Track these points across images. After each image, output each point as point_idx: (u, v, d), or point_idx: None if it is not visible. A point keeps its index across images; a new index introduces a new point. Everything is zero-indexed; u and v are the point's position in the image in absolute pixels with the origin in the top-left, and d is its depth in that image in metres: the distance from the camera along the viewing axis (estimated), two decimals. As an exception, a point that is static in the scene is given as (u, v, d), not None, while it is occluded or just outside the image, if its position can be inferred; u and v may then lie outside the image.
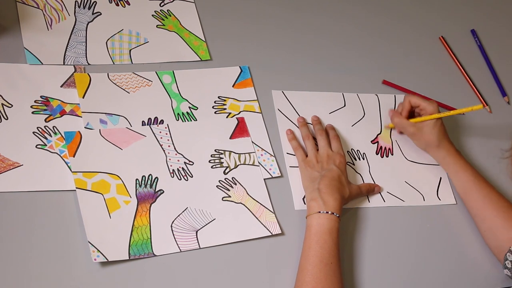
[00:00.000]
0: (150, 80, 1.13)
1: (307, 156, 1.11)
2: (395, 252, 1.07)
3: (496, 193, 1.09)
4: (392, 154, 1.18)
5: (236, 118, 1.13)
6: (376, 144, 1.19)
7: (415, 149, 1.19)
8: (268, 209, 1.05)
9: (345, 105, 1.21)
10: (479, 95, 1.33)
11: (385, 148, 1.18)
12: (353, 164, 1.15)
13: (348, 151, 1.16)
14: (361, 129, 1.19)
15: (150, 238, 0.97)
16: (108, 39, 1.15)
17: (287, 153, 1.12)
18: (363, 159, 1.16)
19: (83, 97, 1.07)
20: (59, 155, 1.00)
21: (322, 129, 1.15)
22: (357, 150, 1.16)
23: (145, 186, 1.02)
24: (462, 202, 1.12)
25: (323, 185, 1.03)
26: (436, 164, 1.17)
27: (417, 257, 1.08)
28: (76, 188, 0.98)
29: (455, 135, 1.22)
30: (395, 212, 1.11)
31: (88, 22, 1.16)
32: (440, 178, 1.16)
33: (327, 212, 1.00)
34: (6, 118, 1.01)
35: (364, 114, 1.21)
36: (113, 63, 1.12)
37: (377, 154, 1.17)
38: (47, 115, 1.04)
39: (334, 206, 1.01)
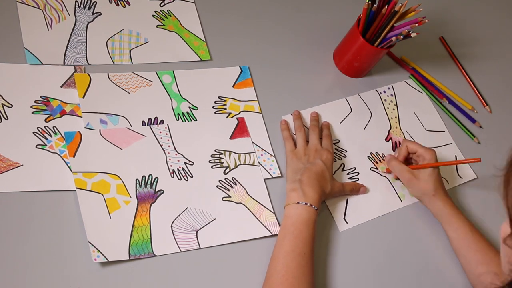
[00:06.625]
0: (150, 80, 1.13)
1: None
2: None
3: (491, 249, 1.04)
4: None
5: (236, 118, 1.13)
6: (390, 141, 1.19)
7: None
8: (268, 209, 1.05)
9: (351, 110, 1.21)
10: (479, 95, 1.33)
11: (399, 142, 1.20)
12: (377, 169, 1.15)
13: (368, 156, 1.16)
14: (373, 130, 1.20)
15: (150, 238, 0.97)
16: (108, 39, 1.15)
17: None
18: (384, 160, 1.17)
19: (83, 97, 1.07)
20: (59, 155, 1.00)
21: (317, 125, 1.15)
22: (376, 153, 1.17)
23: (145, 186, 1.02)
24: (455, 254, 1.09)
25: (305, 177, 1.04)
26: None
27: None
28: (76, 188, 0.98)
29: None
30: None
31: (88, 22, 1.15)
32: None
33: (305, 204, 1.00)
34: (6, 118, 1.01)
35: (371, 113, 1.22)
36: (113, 63, 1.12)
37: (394, 151, 1.18)
38: (47, 115, 1.03)
39: (313, 198, 1.01)
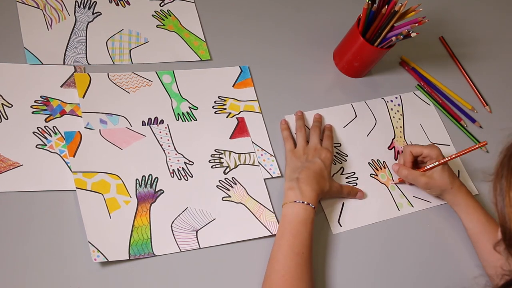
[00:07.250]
0: (150, 80, 1.13)
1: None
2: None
3: None
4: None
5: (236, 118, 1.13)
6: (393, 149, 1.19)
7: None
8: (268, 209, 1.05)
9: (356, 116, 1.21)
10: (479, 95, 1.33)
11: (401, 151, 1.19)
12: (377, 176, 1.15)
13: (369, 162, 1.16)
14: (376, 137, 1.20)
15: (150, 238, 0.97)
16: (108, 39, 1.15)
17: None
18: (385, 168, 1.16)
19: (83, 97, 1.07)
20: (59, 155, 1.00)
21: (319, 126, 1.15)
22: (377, 160, 1.17)
23: (145, 186, 1.02)
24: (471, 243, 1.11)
25: (303, 175, 1.04)
26: None
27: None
28: (76, 188, 0.98)
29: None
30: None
31: (88, 22, 1.16)
32: None
33: (303, 202, 1.00)
34: (6, 118, 1.01)
35: (376, 121, 1.21)
36: (113, 63, 1.12)
37: (396, 160, 1.18)
38: (47, 115, 1.03)
39: (310, 197, 1.01)
